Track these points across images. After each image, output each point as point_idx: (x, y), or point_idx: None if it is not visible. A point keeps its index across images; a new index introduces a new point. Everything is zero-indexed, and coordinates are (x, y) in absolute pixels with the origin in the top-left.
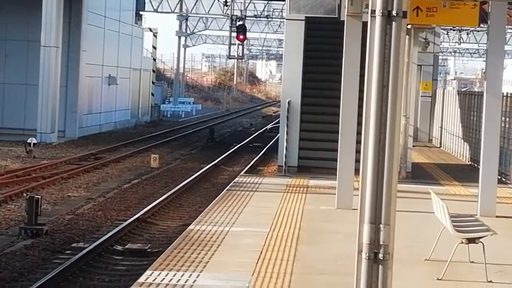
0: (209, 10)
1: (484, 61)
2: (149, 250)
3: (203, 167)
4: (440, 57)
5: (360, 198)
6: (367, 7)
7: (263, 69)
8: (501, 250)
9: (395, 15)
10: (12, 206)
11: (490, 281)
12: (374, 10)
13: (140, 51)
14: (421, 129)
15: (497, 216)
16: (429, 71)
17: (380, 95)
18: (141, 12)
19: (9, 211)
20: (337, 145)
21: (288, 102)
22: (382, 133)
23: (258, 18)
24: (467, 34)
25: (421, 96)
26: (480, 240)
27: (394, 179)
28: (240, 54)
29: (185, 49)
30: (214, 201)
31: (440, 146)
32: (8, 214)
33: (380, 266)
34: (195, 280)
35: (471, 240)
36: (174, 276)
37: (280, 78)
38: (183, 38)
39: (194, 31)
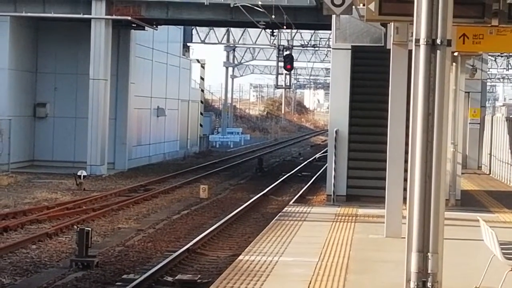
0: (256, 41)
1: None
2: (199, 280)
3: (252, 197)
4: (488, 83)
5: (407, 227)
6: (412, 35)
7: (311, 98)
8: None
9: (439, 43)
10: (63, 238)
11: None
12: (419, 39)
13: (188, 82)
14: (470, 156)
15: None
16: (477, 98)
17: (425, 123)
18: (188, 44)
19: (60, 243)
20: (385, 173)
21: (336, 131)
22: (429, 161)
23: (305, 48)
24: None
25: (470, 123)
26: None
27: (441, 207)
28: (288, 84)
29: (232, 79)
30: (263, 231)
31: (490, 173)
32: (59, 247)
33: None
34: None
35: None
36: None
37: (328, 107)
38: (230, 69)
39: (242, 62)
